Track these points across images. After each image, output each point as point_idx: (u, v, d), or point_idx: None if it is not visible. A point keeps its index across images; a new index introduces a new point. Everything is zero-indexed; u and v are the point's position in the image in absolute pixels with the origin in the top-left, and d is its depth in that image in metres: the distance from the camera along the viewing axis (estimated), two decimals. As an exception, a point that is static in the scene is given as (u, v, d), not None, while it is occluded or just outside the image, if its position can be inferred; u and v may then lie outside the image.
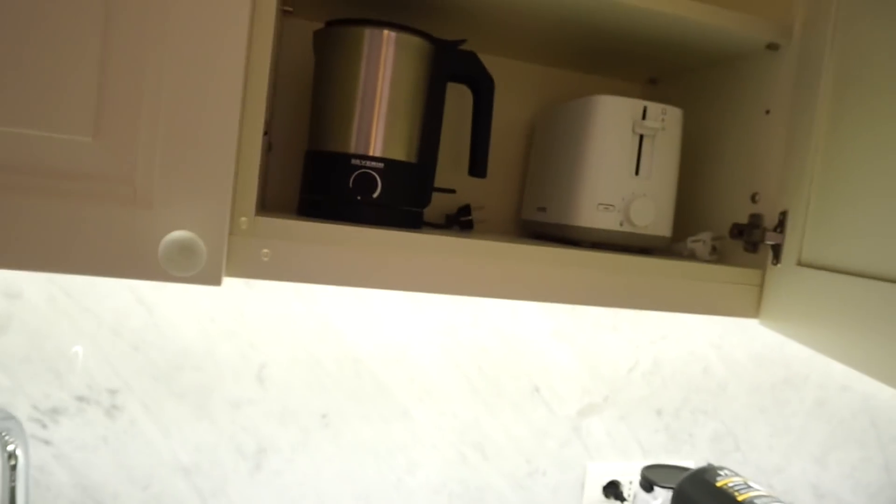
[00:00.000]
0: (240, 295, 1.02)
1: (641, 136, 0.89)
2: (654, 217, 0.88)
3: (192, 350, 1.00)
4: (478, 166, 0.90)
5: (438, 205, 1.09)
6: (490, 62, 0.90)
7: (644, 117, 0.88)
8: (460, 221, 1.03)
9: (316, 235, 0.69)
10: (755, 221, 0.89)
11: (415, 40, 0.81)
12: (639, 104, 0.88)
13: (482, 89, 0.89)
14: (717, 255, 0.93)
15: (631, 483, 1.25)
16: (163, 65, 0.59)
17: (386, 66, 0.80)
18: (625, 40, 0.95)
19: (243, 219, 0.66)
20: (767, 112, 0.91)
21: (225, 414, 1.02)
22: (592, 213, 0.88)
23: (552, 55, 1.08)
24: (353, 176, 0.79)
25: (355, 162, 0.79)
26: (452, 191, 0.91)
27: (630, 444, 1.27)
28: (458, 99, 1.08)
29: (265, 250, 0.68)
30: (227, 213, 0.63)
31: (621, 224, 0.89)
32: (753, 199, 0.90)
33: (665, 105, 0.89)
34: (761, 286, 0.87)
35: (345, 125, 0.80)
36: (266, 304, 1.03)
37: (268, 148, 0.87)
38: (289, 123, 1.02)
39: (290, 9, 0.95)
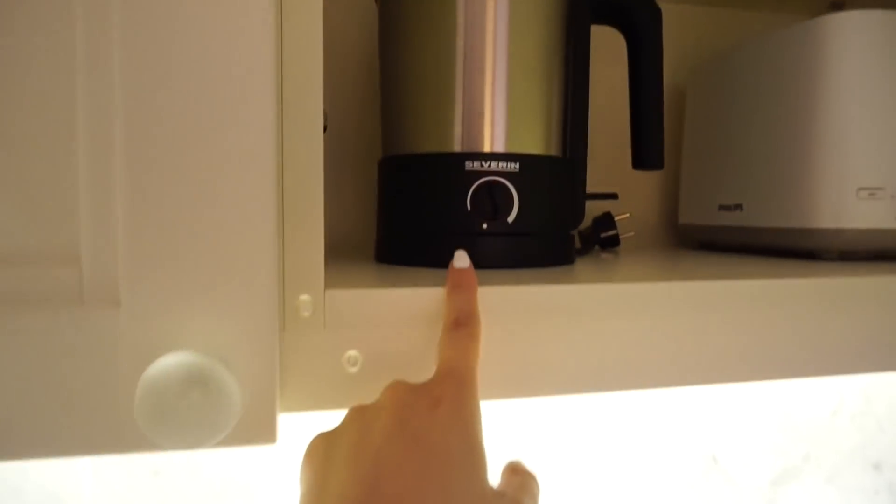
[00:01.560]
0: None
1: (915, 72, 0.55)
2: (957, 200, 0.54)
3: None
4: (649, 153, 0.56)
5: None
6: None
7: (918, 39, 0.54)
8: (601, 239, 0.70)
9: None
10: None
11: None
12: (905, 20, 0.54)
13: (644, 29, 0.55)
14: None
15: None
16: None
17: (497, 4, 0.47)
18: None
19: (304, 298, 0.34)
20: None
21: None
22: (848, 205, 0.54)
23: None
24: (472, 189, 0.46)
25: (472, 166, 0.47)
26: (614, 195, 0.58)
27: (848, 517, 0.92)
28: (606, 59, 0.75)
29: (352, 353, 0.35)
30: (273, 290, 0.30)
31: (900, 218, 0.54)
32: None
33: (944, 16, 0.55)
34: None
35: (445, 110, 0.47)
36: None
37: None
38: (346, 120, 0.70)
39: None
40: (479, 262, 0.46)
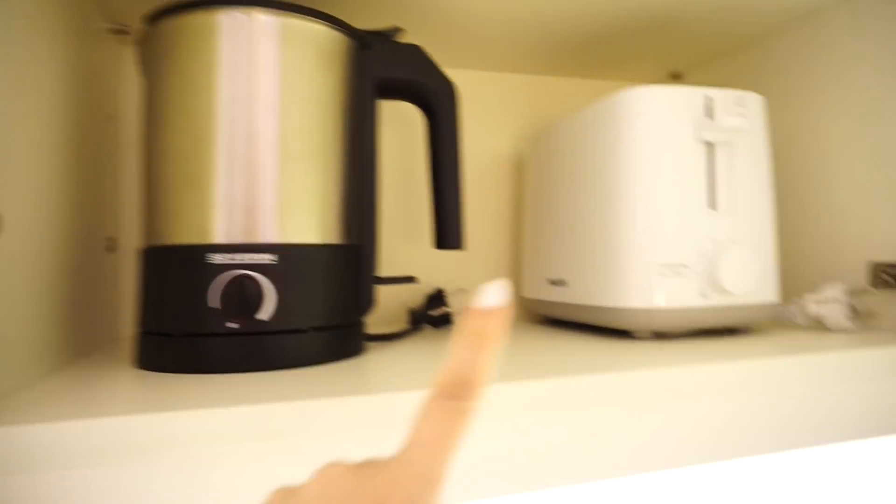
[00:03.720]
0: None
1: (711, 146, 0.54)
2: (757, 275, 0.52)
3: None
4: (448, 233, 0.53)
5: (393, 296, 0.72)
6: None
7: (711, 114, 0.53)
8: (431, 318, 0.66)
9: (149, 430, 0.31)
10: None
11: (315, 29, 0.46)
12: (696, 94, 0.54)
13: (438, 105, 0.53)
14: (860, 320, 0.57)
15: None
16: None
17: (262, 74, 0.44)
18: (638, 17, 0.61)
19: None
20: None
21: None
22: (652, 286, 0.52)
23: (533, 57, 0.73)
24: (218, 284, 0.41)
25: (219, 259, 0.42)
26: (411, 279, 0.54)
27: None
28: (402, 130, 0.72)
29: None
30: None
31: (704, 295, 0.52)
32: (901, 221, 0.55)
33: (738, 91, 0.54)
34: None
35: (197, 196, 0.43)
36: None
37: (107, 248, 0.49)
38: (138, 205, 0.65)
39: (124, 27, 0.59)
40: (236, 366, 0.41)
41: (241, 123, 0.43)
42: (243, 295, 0.41)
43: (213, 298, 0.41)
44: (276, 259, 0.43)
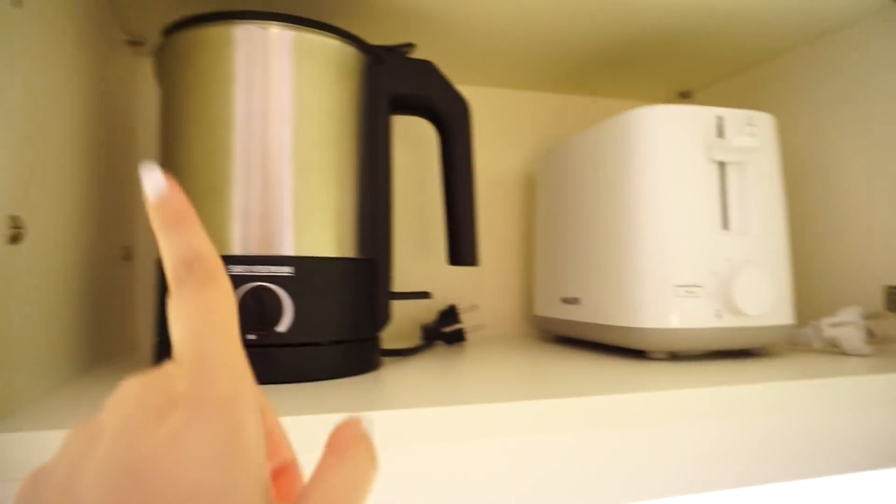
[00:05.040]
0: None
1: (723, 166, 0.54)
2: (773, 296, 0.52)
3: None
4: (463, 250, 0.53)
5: (404, 311, 0.72)
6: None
7: (722, 134, 0.53)
8: (445, 334, 0.66)
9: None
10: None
11: (329, 43, 0.46)
12: (708, 113, 0.54)
13: (451, 122, 0.53)
14: (876, 344, 0.56)
15: None
16: None
17: (277, 88, 0.44)
18: (648, 37, 0.62)
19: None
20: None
21: None
22: (667, 306, 0.52)
23: (543, 75, 0.74)
24: (243, 297, 0.42)
25: (236, 270, 0.42)
26: (426, 295, 0.54)
27: None
28: (413, 145, 0.73)
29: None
30: None
31: (719, 316, 0.52)
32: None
33: (748, 111, 0.55)
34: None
35: (215, 207, 0.43)
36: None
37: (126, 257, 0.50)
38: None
39: (139, 39, 0.60)
40: (261, 378, 0.41)
41: (257, 136, 0.44)
42: (262, 307, 0.42)
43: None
44: (293, 271, 0.43)
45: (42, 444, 0.29)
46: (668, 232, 0.52)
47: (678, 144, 0.53)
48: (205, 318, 0.19)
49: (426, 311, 0.73)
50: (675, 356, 0.54)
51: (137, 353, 0.60)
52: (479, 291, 0.77)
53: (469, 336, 0.68)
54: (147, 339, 0.65)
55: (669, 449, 0.40)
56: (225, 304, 0.20)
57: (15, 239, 0.34)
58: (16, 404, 0.33)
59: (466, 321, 0.67)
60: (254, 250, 0.43)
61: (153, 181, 0.22)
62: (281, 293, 0.42)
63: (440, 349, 0.63)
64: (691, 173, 0.53)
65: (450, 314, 0.67)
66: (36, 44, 0.37)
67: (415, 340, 0.67)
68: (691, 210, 0.53)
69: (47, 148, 0.39)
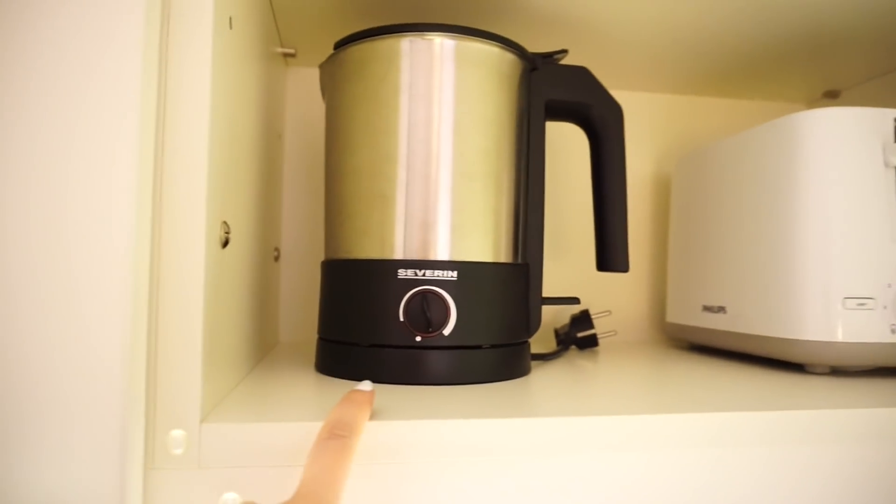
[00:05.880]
0: None
1: (900, 172, 0.51)
2: (956, 313, 0.48)
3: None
4: (614, 256, 0.53)
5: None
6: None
7: (900, 138, 0.50)
8: (578, 339, 0.65)
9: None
10: None
11: (489, 51, 0.47)
12: (884, 116, 0.51)
13: (606, 128, 0.53)
14: None
15: None
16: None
17: (442, 96, 0.45)
18: (794, 35, 0.58)
19: (176, 433, 0.31)
20: None
21: None
22: (833, 318, 0.49)
23: (675, 77, 0.72)
24: (405, 299, 0.43)
25: (405, 274, 0.44)
26: (575, 300, 0.54)
27: None
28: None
29: (229, 496, 0.31)
30: (138, 423, 0.27)
31: (894, 331, 0.49)
32: None
33: (930, 114, 0.51)
34: None
35: (381, 213, 0.45)
36: None
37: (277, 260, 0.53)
38: (303, 220, 0.69)
39: (293, 51, 0.63)
40: (414, 378, 0.43)
41: (423, 143, 0.45)
42: (430, 310, 0.43)
43: (402, 312, 0.43)
44: (455, 276, 0.44)
45: (300, 433, 0.31)
46: (835, 241, 0.50)
47: (850, 149, 0.50)
48: (329, 469, 0.27)
49: (556, 315, 0.72)
50: (837, 371, 0.52)
51: (282, 347, 0.63)
52: (610, 296, 0.76)
53: (601, 342, 0.67)
54: (287, 337, 0.69)
55: (831, 470, 0.38)
56: (345, 465, 0.28)
57: (226, 243, 0.36)
58: (220, 396, 0.36)
59: (598, 326, 0.66)
60: (416, 254, 0.44)
61: (366, 387, 0.34)
62: (447, 297, 0.43)
63: (573, 354, 0.63)
64: (863, 179, 0.50)
65: (583, 319, 0.66)
66: (238, 59, 0.40)
67: (548, 344, 0.67)
68: (863, 218, 0.50)
69: (241, 154, 0.42)
